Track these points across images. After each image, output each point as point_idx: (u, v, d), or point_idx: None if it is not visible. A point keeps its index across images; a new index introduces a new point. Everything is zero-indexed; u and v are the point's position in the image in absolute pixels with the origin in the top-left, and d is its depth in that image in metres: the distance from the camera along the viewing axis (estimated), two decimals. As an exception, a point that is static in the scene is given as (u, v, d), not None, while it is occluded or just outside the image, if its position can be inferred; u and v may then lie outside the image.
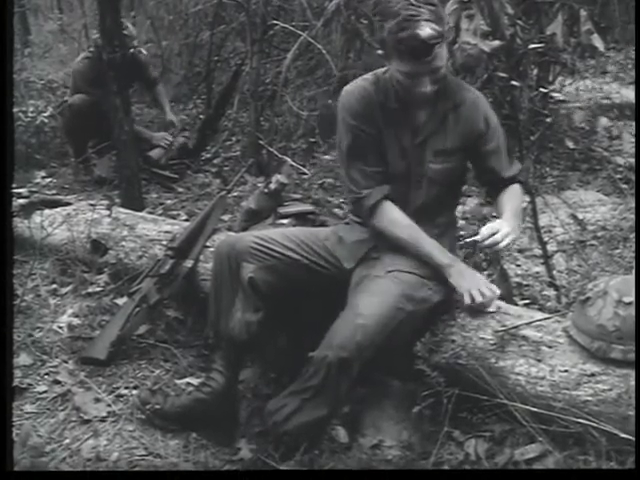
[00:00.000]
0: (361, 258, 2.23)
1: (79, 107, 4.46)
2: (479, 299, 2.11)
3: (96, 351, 2.45)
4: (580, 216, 3.60)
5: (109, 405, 2.28)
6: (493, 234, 2.09)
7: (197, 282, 2.64)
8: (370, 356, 1.99)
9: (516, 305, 2.41)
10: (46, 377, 2.39)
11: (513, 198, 2.25)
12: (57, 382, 2.37)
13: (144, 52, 4.92)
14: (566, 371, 2.01)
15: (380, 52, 2.09)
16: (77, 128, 4.51)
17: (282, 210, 2.97)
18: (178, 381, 2.40)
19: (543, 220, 3.11)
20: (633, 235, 3.44)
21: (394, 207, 2.21)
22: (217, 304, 2.27)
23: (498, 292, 2.17)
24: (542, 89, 3.87)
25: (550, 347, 2.07)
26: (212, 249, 2.65)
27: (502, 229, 2.09)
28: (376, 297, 2.04)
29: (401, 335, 2.07)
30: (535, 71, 4.76)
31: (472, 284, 2.13)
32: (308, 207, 2.91)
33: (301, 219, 2.91)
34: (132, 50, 4.51)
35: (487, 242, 2.09)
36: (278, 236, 2.30)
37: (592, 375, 1.97)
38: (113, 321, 2.52)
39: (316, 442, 2.08)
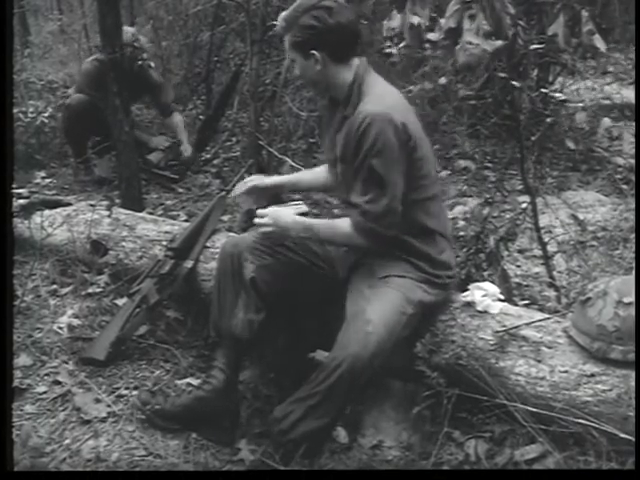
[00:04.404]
0: (351, 266, 2.24)
1: (76, 107, 4.45)
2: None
3: (96, 352, 2.45)
4: (580, 217, 3.60)
5: (109, 406, 2.28)
6: None
7: (197, 283, 2.64)
8: (380, 364, 2.00)
9: (516, 305, 2.41)
10: (46, 378, 2.39)
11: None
12: (57, 383, 2.37)
13: (153, 68, 4.76)
14: (566, 371, 2.01)
15: None
16: (75, 128, 4.49)
17: None
18: (178, 382, 2.40)
19: (543, 221, 3.11)
20: (633, 236, 3.44)
21: None
22: (220, 302, 2.28)
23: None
24: (542, 90, 3.88)
25: (550, 347, 2.07)
26: (212, 249, 2.65)
27: None
28: (380, 304, 2.04)
29: (402, 338, 2.08)
30: (535, 71, 4.77)
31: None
32: (304, 208, 2.90)
33: None
34: (140, 62, 4.48)
35: None
36: None
37: (592, 375, 1.97)
38: (113, 322, 2.52)
39: (319, 446, 2.08)
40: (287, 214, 2.23)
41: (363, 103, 2.08)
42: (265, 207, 2.31)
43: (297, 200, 2.98)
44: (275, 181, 2.57)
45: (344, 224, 2.14)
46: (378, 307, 2.03)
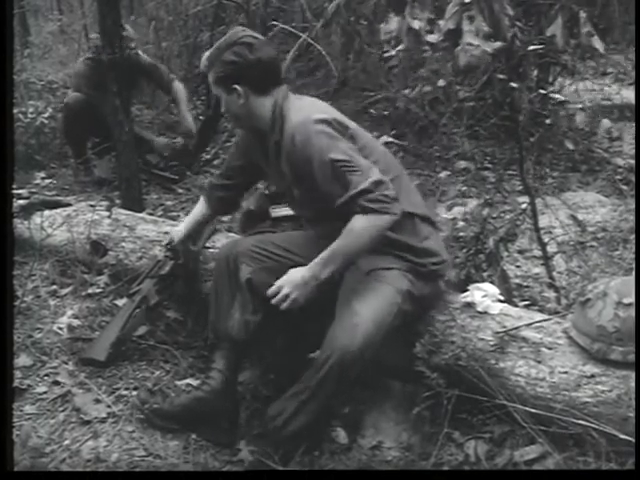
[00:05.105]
0: None
1: (74, 106, 4.44)
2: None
3: (96, 352, 2.45)
4: (580, 217, 3.60)
5: (109, 406, 2.28)
6: None
7: (197, 283, 2.64)
8: (370, 357, 2.01)
9: (516, 306, 2.41)
10: (46, 378, 2.39)
11: None
12: (57, 383, 2.37)
13: (141, 54, 4.78)
14: (566, 372, 2.01)
15: None
16: (74, 127, 4.49)
17: (274, 213, 2.97)
18: (178, 382, 2.40)
19: (543, 221, 3.11)
20: (633, 236, 3.45)
21: None
22: (217, 305, 2.30)
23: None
24: (541, 90, 3.88)
25: (550, 348, 2.07)
26: (212, 250, 2.65)
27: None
28: (368, 297, 2.05)
29: (393, 329, 2.07)
30: (535, 72, 4.77)
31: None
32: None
33: (293, 221, 2.91)
34: (128, 52, 4.47)
35: None
36: (277, 239, 2.36)
37: (592, 376, 1.98)
38: (113, 322, 2.52)
39: (315, 443, 2.09)
40: (296, 270, 2.12)
41: (287, 122, 2.12)
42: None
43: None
44: (187, 227, 2.63)
45: (356, 221, 2.02)
46: (365, 300, 2.04)
